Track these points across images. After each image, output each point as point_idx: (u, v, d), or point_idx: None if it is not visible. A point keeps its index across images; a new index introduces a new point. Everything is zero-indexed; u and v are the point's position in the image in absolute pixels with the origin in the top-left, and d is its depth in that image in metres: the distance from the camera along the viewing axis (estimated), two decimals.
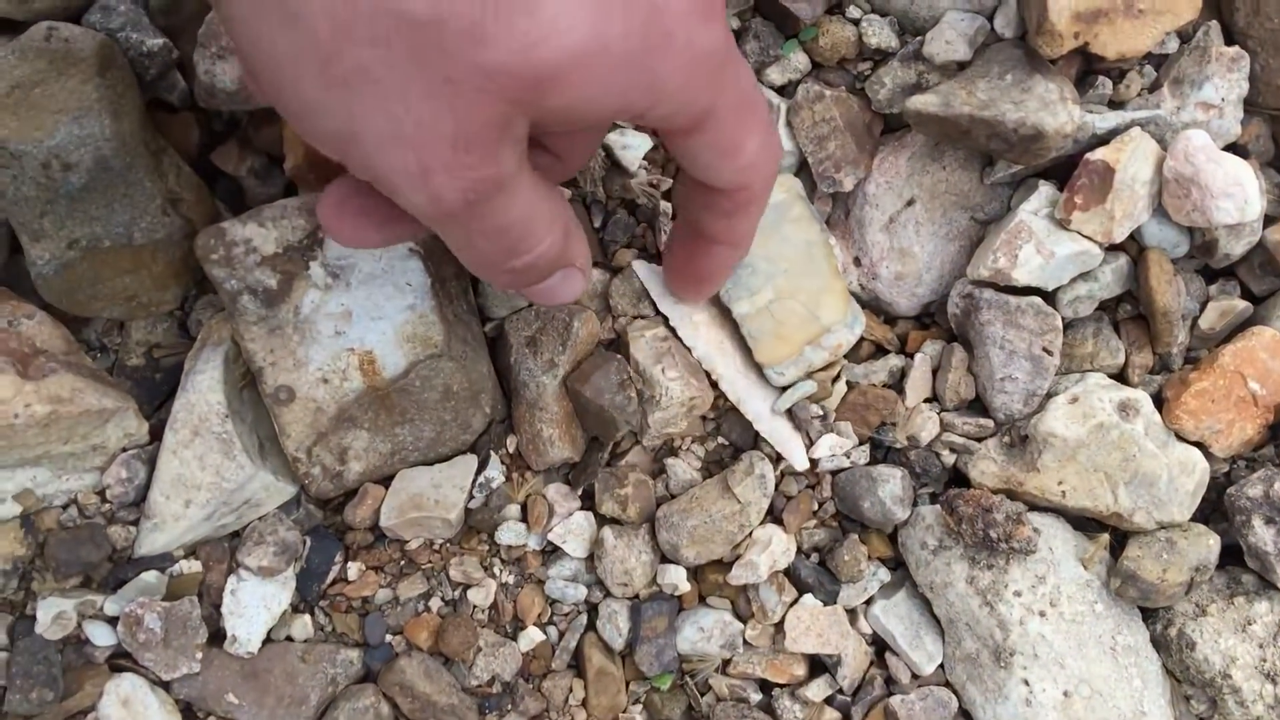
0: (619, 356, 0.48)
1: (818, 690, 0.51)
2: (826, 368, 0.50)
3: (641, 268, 0.49)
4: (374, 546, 0.49)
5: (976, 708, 0.50)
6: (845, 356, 0.51)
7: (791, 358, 0.49)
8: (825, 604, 0.51)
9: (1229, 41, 0.50)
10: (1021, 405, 0.50)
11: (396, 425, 0.47)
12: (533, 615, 0.50)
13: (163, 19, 0.45)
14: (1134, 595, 0.49)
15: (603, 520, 0.50)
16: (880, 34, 0.50)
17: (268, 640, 0.48)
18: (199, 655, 0.46)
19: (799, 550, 0.51)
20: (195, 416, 0.46)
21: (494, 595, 0.50)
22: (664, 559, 0.50)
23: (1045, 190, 0.49)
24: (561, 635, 0.51)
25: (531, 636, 0.50)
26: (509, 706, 0.50)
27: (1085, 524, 0.52)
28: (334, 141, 0.31)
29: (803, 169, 0.52)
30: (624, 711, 0.51)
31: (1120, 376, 0.52)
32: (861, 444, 0.51)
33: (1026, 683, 0.49)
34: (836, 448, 0.50)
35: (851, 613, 0.52)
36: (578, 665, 0.51)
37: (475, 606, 0.50)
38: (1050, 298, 0.50)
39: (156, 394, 0.48)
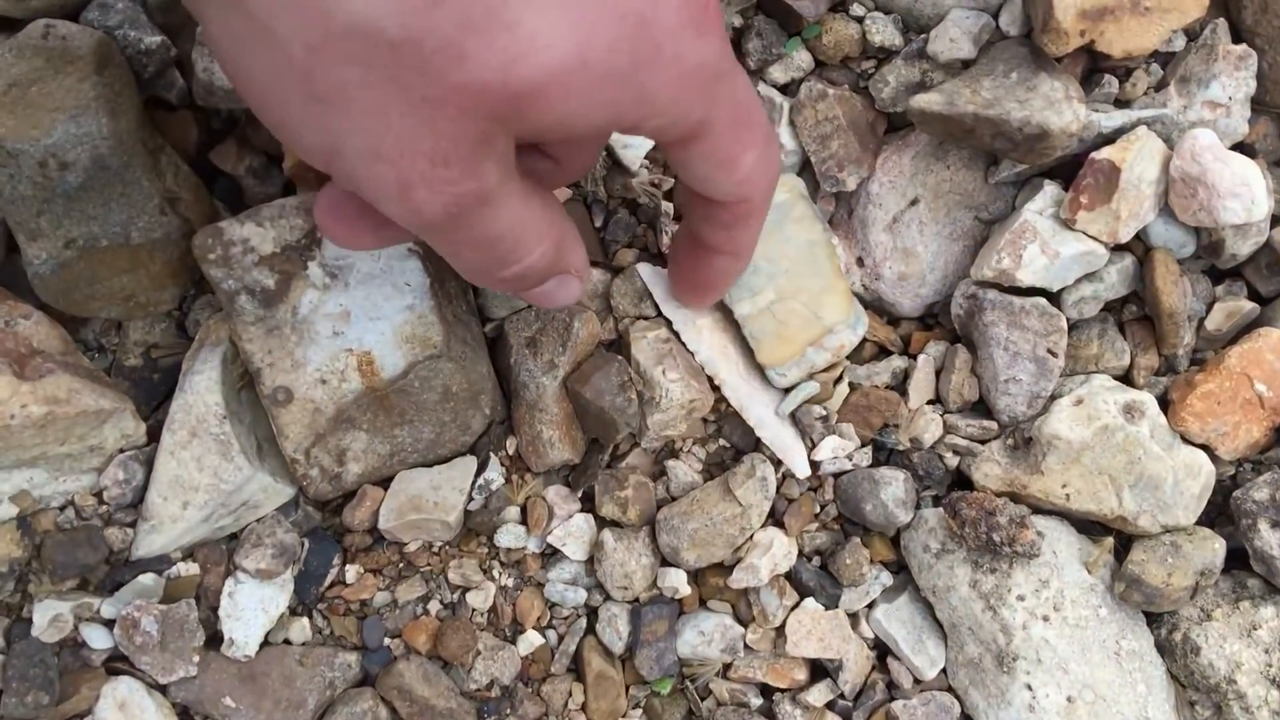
0: (619, 358, 0.48)
1: (819, 695, 0.50)
2: (829, 369, 0.50)
3: (645, 270, 0.49)
4: (372, 549, 0.49)
5: (979, 713, 0.50)
6: (848, 357, 0.51)
7: (793, 359, 0.48)
8: (827, 608, 0.51)
9: (1236, 39, 0.49)
10: (1025, 407, 0.50)
11: (395, 426, 0.47)
12: (532, 618, 0.50)
13: (161, 16, 0.45)
14: (1138, 599, 0.48)
15: (603, 523, 0.50)
16: (884, 32, 0.50)
17: (265, 643, 0.47)
18: (196, 658, 0.46)
19: (800, 553, 0.51)
20: (193, 417, 0.45)
21: (493, 598, 0.49)
22: (664, 562, 0.50)
23: (1050, 190, 0.49)
24: (561, 639, 0.50)
25: (531, 640, 0.50)
26: (508, 710, 0.50)
27: (1089, 527, 0.51)
28: (317, 155, 0.32)
29: (805, 168, 0.52)
30: (624, 716, 0.50)
31: (1125, 378, 0.51)
32: (864, 446, 0.51)
33: (1030, 688, 0.48)
34: (838, 450, 0.50)
35: (853, 617, 0.51)
36: (577, 669, 0.51)
37: (474, 609, 0.49)
38: (1055, 298, 0.49)
39: (154, 395, 0.48)
